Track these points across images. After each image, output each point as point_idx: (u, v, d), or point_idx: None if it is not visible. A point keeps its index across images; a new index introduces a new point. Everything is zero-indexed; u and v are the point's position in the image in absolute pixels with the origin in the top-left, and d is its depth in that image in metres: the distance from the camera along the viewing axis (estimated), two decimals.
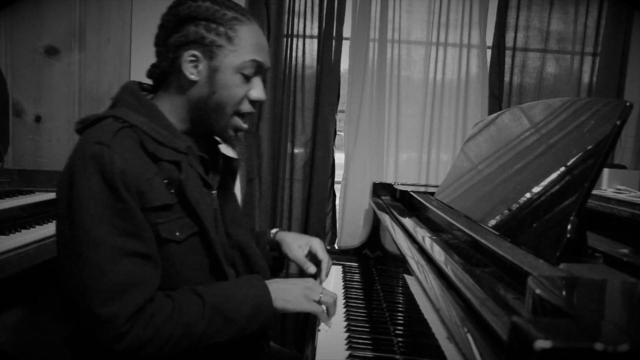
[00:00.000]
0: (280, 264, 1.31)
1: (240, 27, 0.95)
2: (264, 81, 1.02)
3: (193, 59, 0.94)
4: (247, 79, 0.97)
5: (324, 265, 1.24)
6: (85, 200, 0.82)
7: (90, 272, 0.81)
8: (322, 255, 1.26)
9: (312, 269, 1.21)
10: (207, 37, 0.93)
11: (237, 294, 0.92)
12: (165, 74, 0.98)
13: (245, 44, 0.95)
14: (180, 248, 0.91)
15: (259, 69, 0.98)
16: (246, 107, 1.00)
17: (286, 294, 0.97)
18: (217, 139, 1.07)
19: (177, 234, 0.91)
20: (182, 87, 0.96)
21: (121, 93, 0.98)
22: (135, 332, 0.81)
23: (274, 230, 1.31)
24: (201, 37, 0.93)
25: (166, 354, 0.84)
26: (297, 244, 1.26)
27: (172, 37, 0.94)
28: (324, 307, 1.01)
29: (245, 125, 1.02)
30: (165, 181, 0.90)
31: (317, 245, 1.27)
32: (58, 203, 0.88)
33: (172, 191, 0.90)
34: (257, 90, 0.99)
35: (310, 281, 1.04)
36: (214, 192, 1.04)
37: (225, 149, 1.09)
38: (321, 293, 1.00)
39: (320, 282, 1.22)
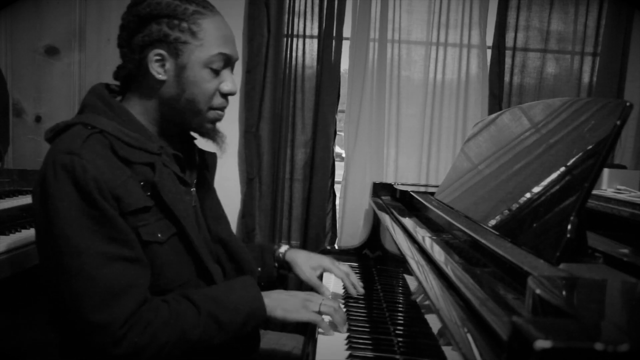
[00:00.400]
0: (283, 279, 1.29)
1: (204, 21, 0.92)
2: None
3: (159, 58, 0.91)
4: (217, 72, 0.95)
5: (348, 283, 1.19)
6: (63, 211, 0.81)
7: (79, 280, 0.80)
8: (339, 273, 1.21)
9: (327, 292, 1.18)
10: (171, 35, 0.90)
11: (232, 300, 0.92)
12: (133, 75, 0.96)
13: (211, 37, 0.93)
14: (164, 249, 0.90)
15: (227, 61, 0.96)
16: (218, 101, 0.98)
17: (286, 303, 0.98)
18: (193, 134, 1.05)
19: (159, 235, 0.90)
20: (151, 87, 0.94)
21: (89, 97, 0.95)
22: (132, 337, 0.81)
23: (282, 250, 1.26)
24: (165, 35, 0.90)
25: (161, 358, 0.84)
26: (309, 265, 1.22)
27: (136, 38, 0.91)
28: (328, 317, 1.01)
29: (222, 113, 1.00)
30: (142, 184, 0.89)
31: (330, 265, 1.23)
32: (35, 216, 0.87)
33: (149, 194, 0.89)
34: (227, 84, 0.97)
35: (310, 293, 1.04)
36: (193, 189, 1.03)
37: (204, 144, 1.06)
38: (321, 304, 1.00)
39: (357, 295, 1.20)
